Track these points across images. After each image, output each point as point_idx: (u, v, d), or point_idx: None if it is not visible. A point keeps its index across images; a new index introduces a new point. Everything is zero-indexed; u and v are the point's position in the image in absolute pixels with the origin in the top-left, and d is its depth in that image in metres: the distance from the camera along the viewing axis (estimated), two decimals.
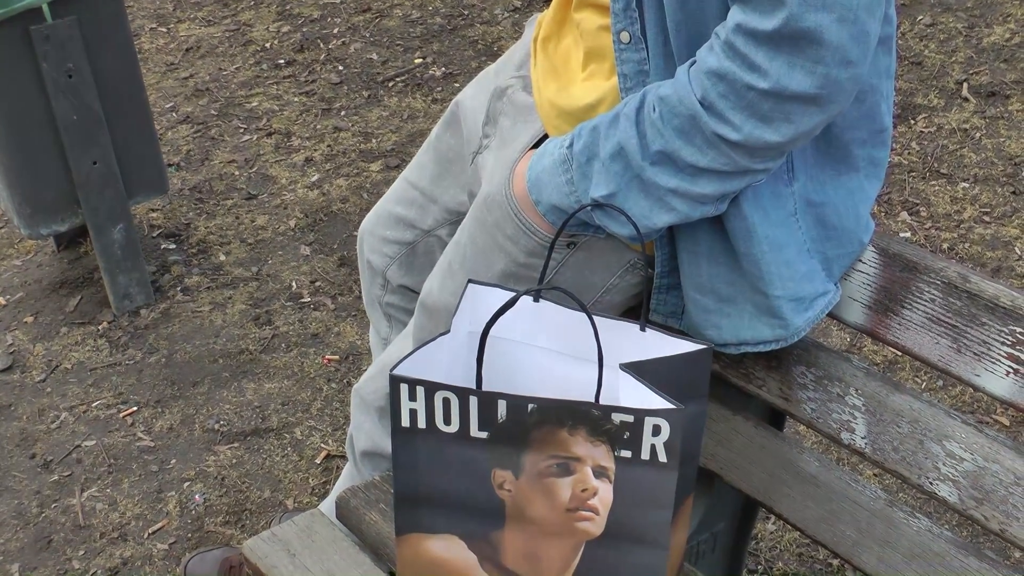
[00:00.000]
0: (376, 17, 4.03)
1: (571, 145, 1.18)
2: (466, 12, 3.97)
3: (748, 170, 1.11)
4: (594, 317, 1.06)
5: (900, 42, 3.42)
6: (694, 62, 1.09)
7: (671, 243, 1.24)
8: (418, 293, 1.55)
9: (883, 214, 2.73)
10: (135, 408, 2.32)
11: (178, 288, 2.68)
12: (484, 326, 1.01)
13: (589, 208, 1.17)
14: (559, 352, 1.18)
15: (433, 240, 1.54)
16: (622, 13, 1.16)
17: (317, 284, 2.67)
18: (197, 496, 2.10)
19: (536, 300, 1.17)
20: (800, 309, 1.22)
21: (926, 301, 1.20)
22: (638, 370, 1.06)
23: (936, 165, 2.89)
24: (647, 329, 1.16)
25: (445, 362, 1.12)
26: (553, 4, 1.34)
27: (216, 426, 2.26)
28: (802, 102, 1.04)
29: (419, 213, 1.54)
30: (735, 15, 1.04)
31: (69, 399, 2.36)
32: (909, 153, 2.95)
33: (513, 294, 1.14)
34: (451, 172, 1.49)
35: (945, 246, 2.59)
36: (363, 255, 1.62)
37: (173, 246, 2.84)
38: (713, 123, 1.07)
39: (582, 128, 1.18)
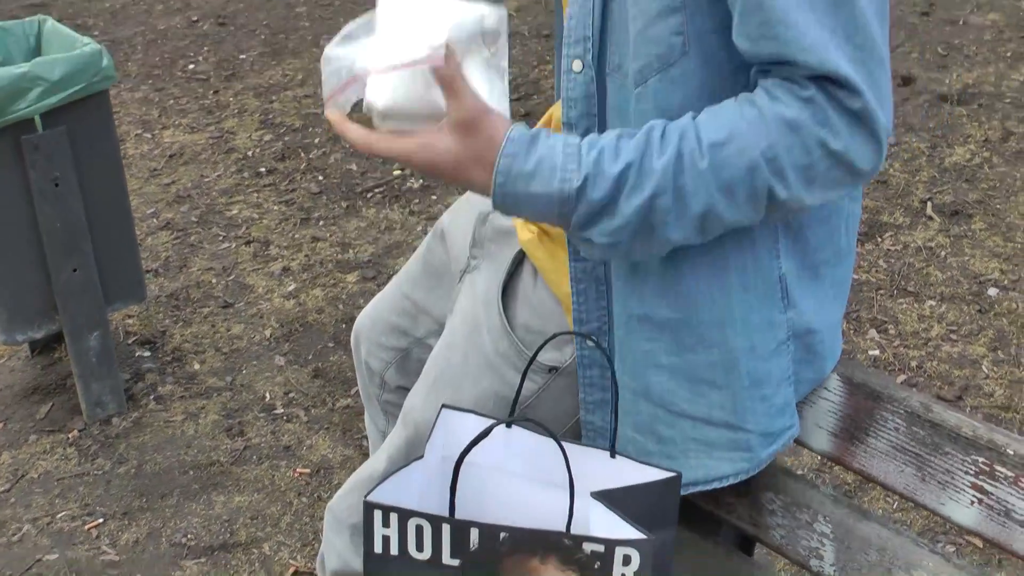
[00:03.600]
0: None
1: (588, 171, 1.05)
2: None
3: (753, 221, 1.08)
4: (565, 445, 1.07)
5: None
6: (749, 101, 1.04)
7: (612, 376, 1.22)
8: None
9: (852, 331, 2.77)
10: (101, 520, 2.29)
11: (151, 397, 2.67)
12: (459, 455, 1.02)
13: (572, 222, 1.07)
14: (530, 478, 1.19)
15: (425, 347, 1.57)
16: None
17: (291, 395, 2.67)
18: None
19: (508, 427, 1.18)
20: (767, 443, 1.23)
21: (890, 430, 1.22)
22: (609, 498, 1.07)
23: (903, 283, 2.95)
24: (617, 456, 1.17)
25: (418, 487, 1.13)
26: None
27: (183, 540, 2.23)
28: (851, 173, 1.05)
29: (411, 322, 1.58)
30: (820, 69, 1.00)
31: (33, 510, 2.33)
32: (876, 271, 3.01)
33: (486, 420, 1.16)
34: (441, 285, 1.53)
35: (913, 364, 2.63)
36: (359, 356, 1.65)
37: (148, 354, 2.84)
38: (771, 178, 1.03)
39: (597, 171, 1.05)
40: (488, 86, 1.11)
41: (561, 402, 1.28)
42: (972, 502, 1.16)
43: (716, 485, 1.24)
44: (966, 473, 1.17)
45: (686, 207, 1.04)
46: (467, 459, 1.16)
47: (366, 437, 2.43)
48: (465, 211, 1.50)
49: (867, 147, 1.04)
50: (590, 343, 1.23)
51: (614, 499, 1.06)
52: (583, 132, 1.17)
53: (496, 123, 1.07)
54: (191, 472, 2.42)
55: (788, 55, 1.01)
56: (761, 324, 1.17)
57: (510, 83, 1.15)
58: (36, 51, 2.61)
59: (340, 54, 1.09)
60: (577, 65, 1.15)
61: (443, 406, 1.20)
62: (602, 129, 1.16)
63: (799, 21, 0.99)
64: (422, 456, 1.14)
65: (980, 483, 1.15)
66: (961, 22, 4.45)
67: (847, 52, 1.00)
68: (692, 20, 1.07)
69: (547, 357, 1.27)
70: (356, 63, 1.08)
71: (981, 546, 2.12)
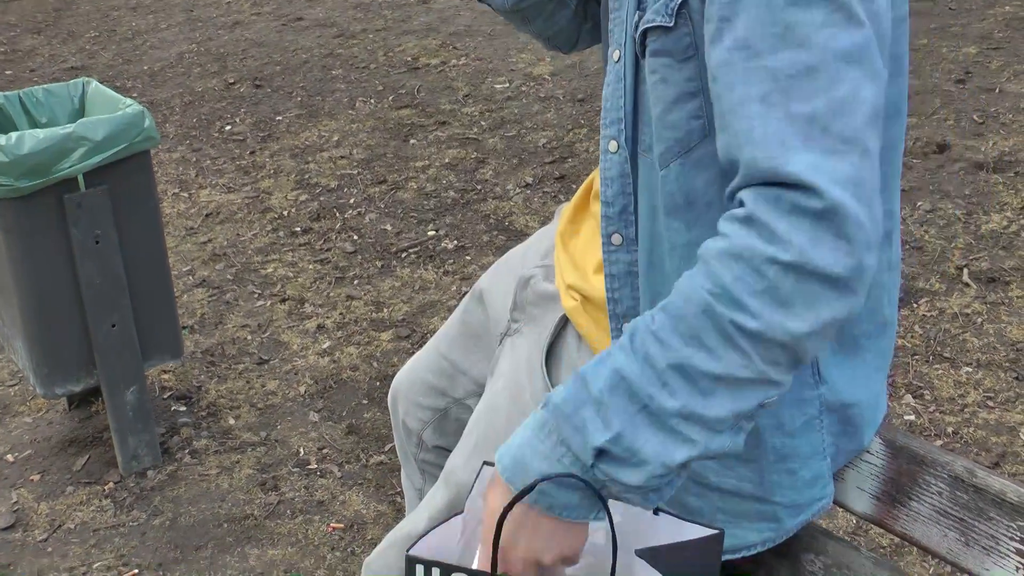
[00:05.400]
0: (391, 189, 4.16)
1: (545, 404, 1.01)
2: (479, 187, 4.10)
3: (766, 378, 0.96)
4: (608, 502, 1.08)
5: (901, 227, 3.52)
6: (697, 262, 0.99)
7: None
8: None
9: (887, 396, 2.75)
10: (136, 571, 2.30)
11: (186, 451, 2.69)
12: (502, 511, 1.02)
13: (590, 465, 0.99)
14: None
15: (463, 408, 1.58)
16: (616, 217, 1.18)
17: (324, 451, 2.68)
18: None
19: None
20: (795, 514, 1.23)
21: (933, 494, 1.22)
22: (653, 555, 1.07)
23: (939, 349, 2.93)
24: (659, 513, 1.17)
25: (459, 542, 1.13)
26: (576, 195, 1.42)
27: None
28: (827, 284, 0.92)
29: (449, 383, 1.59)
30: (766, 165, 0.93)
31: (69, 560, 2.34)
32: (912, 336, 2.99)
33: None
34: (480, 347, 1.55)
35: (950, 430, 2.61)
36: (397, 415, 1.66)
37: (183, 408, 2.86)
38: (728, 310, 0.93)
39: (554, 391, 1.02)
40: None
41: None
42: (1017, 568, 1.15)
43: (743, 554, 1.25)
44: (1011, 539, 1.16)
45: (653, 367, 0.96)
46: None
47: (400, 494, 2.43)
48: (504, 274, 1.52)
49: (834, 248, 0.91)
50: None
51: (658, 556, 1.06)
52: (619, 210, 1.19)
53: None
54: (225, 525, 2.43)
55: (735, 150, 0.96)
56: (789, 401, 1.17)
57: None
58: (80, 112, 2.68)
59: None
60: (613, 146, 1.18)
61: (484, 463, 1.20)
62: (636, 206, 1.17)
63: (754, 113, 0.94)
64: (463, 511, 1.15)
65: None
66: (997, 90, 4.47)
67: (821, 144, 0.92)
68: (712, 104, 1.04)
69: None
70: None
71: None
